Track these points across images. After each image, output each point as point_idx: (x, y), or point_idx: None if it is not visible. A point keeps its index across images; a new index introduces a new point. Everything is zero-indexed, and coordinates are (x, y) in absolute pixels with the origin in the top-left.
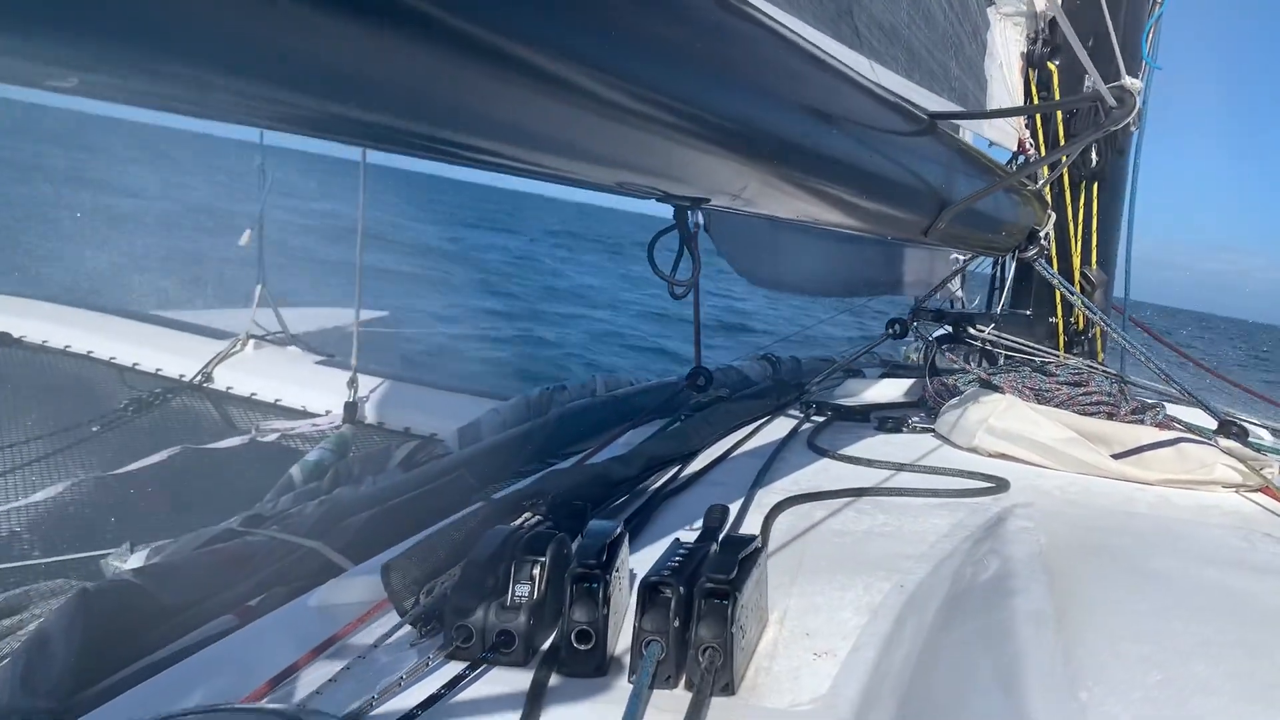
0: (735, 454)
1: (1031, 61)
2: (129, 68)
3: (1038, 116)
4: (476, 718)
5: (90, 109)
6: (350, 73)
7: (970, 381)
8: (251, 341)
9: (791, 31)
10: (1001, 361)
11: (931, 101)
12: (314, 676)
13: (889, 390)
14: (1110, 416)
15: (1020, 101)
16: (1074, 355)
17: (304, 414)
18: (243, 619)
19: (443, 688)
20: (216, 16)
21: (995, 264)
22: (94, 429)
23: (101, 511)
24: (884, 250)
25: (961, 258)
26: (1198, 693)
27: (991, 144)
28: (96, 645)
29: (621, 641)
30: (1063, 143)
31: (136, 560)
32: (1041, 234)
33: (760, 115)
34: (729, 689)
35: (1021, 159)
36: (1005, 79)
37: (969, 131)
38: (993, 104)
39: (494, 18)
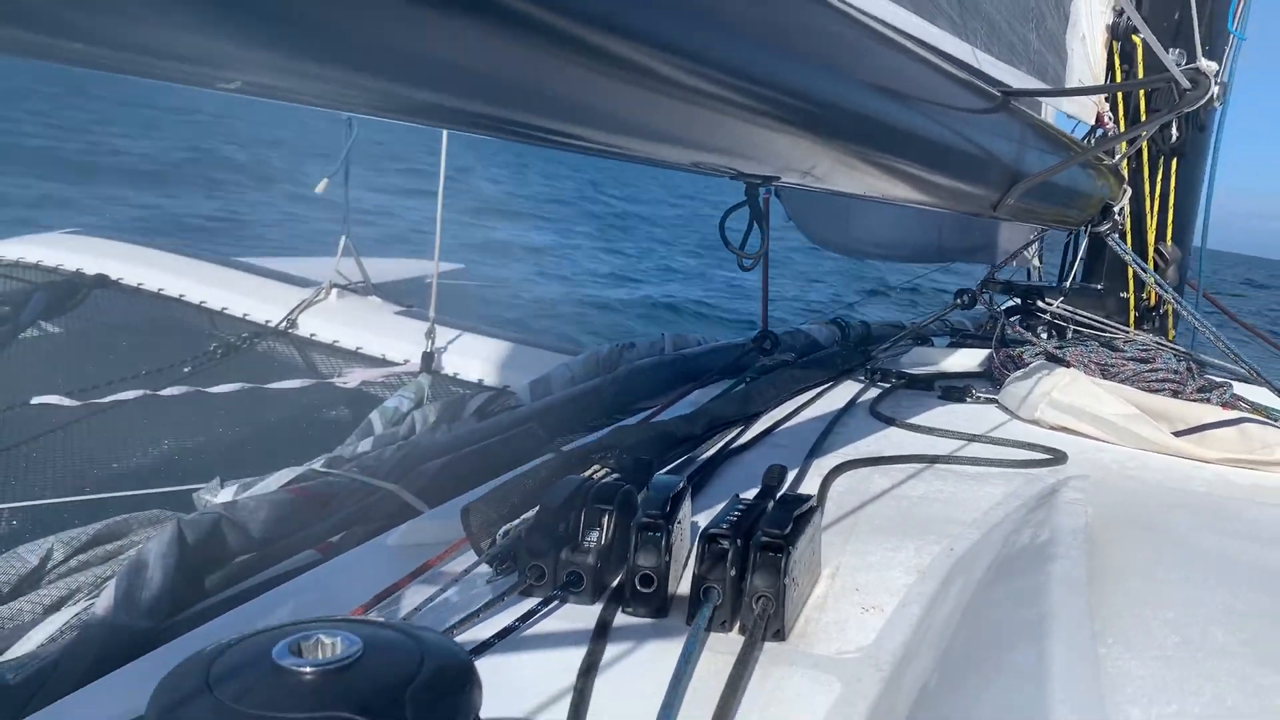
0: (798, 418)
1: (1116, 34)
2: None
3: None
4: (547, 648)
5: None
6: (429, 57)
7: (1036, 354)
8: (335, 290)
9: (865, 6)
10: (1070, 335)
11: (1008, 75)
12: (394, 608)
13: (955, 360)
14: (1176, 394)
15: (1102, 75)
16: (1143, 331)
17: (383, 362)
18: (324, 554)
19: (516, 620)
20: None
21: (1068, 237)
22: (185, 370)
23: (193, 448)
24: (959, 217)
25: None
26: (1213, 655)
27: (1070, 117)
28: (189, 572)
29: (681, 588)
30: (1144, 116)
31: (226, 495)
32: (1116, 209)
33: (832, 94)
34: (780, 635)
35: (1100, 133)
36: (1087, 53)
37: (1047, 105)
38: (1073, 77)
39: (572, 2)
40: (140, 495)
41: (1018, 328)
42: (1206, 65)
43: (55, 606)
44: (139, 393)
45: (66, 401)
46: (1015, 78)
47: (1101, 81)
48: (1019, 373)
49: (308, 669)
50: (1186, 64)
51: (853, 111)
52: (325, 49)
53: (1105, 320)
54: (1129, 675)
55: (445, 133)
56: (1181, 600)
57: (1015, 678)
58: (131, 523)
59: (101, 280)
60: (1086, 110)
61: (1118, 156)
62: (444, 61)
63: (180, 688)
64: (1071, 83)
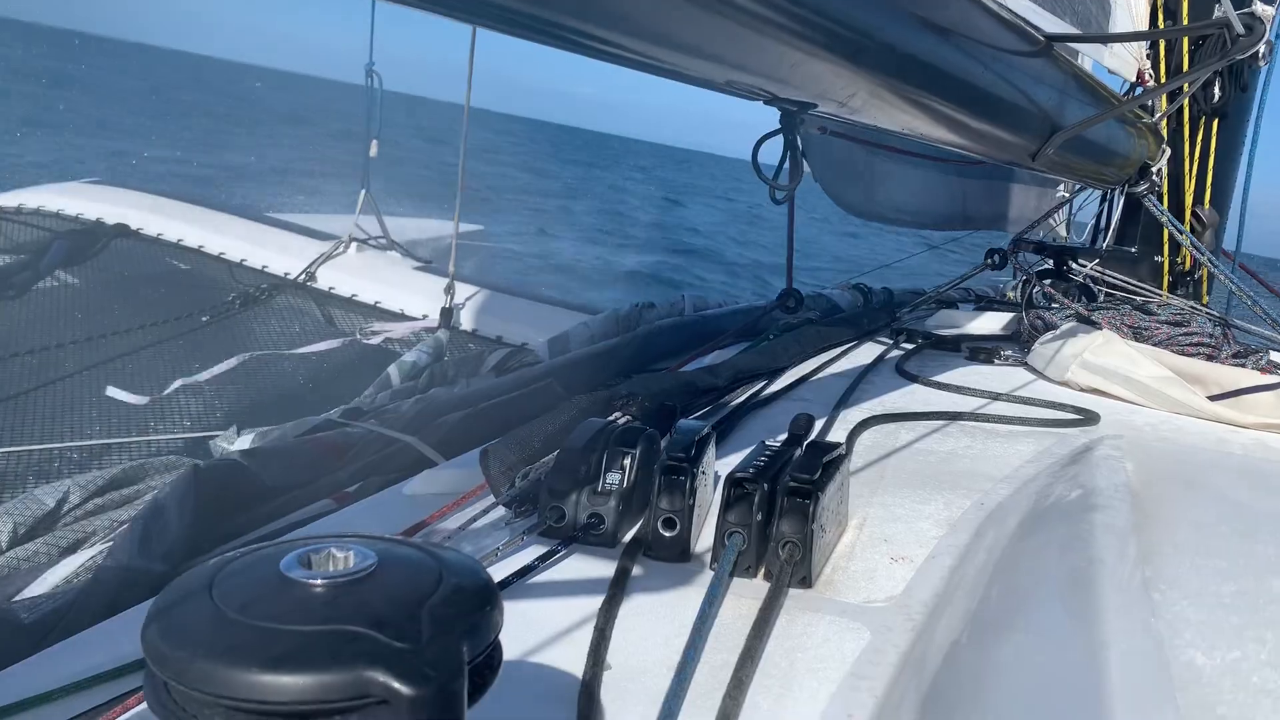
0: (822, 374)
1: None
2: None
3: (1161, 45)
4: (566, 590)
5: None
6: None
7: (1068, 316)
8: (354, 244)
9: None
10: (1102, 299)
11: (1050, 23)
12: None
13: (983, 323)
14: (1210, 359)
15: (1145, 29)
16: (1178, 296)
17: (402, 317)
18: (340, 503)
19: (535, 560)
20: None
21: (1103, 199)
22: (204, 319)
23: (211, 396)
24: (985, 183)
25: (1067, 194)
26: (1272, 603)
27: (1110, 72)
28: (206, 517)
29: (704, 536)
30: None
31: (243, 443)
32: (1154, 169)
33: (874, 21)
34: (806, 582)
35: (1140, 91)
36: (1130, 4)
37: (1088, 58)
38: (1115, 29)
39: None
40: (157, 440)
41: (1048, 289)
42: (1262, 9)
43: (71, 549)
44: (156, 341)
45: (132, 398)
46: (1057, 26)
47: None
48: (1049, 334)
49: (318, 581)
50: (1240, 10)
51: (894, 41)
52: None
53: (1139, 283)
54: (1186, 621)
55: (469, 86)
56: (1233, 552)
57: (1058, 625)
58: (148, 467)
59: (122, 229)
60: (1128, 65)
61: (1158, 115)
62: None
63: (180, 599)
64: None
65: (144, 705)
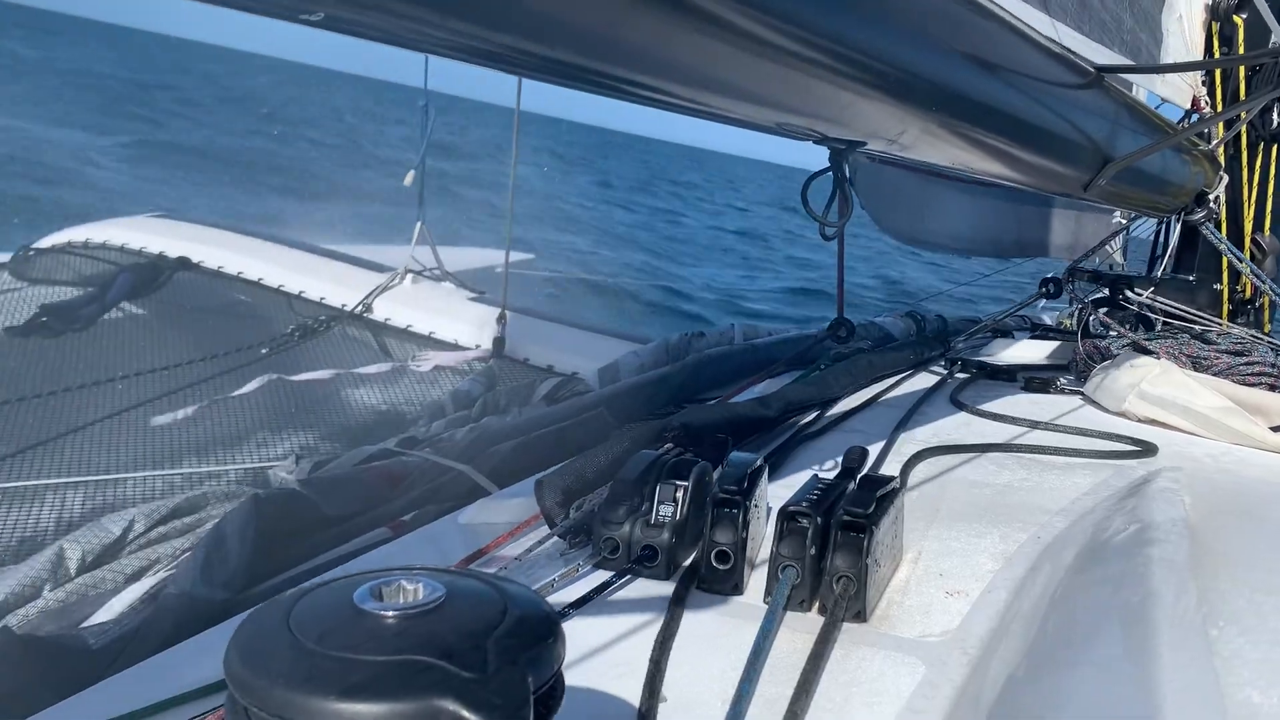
0: (875, 404)
1: (1216, 14)
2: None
3: (1216, 74)
4: (621, 621)
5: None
6: (526, 4)
7: (1124, 345)
8: (410, 276)
9: None
10: (1159, 327)
11: (1100, 54)
12: None
13: (1037, 351)
14: (1273, 389)
15: (1199, 57)
16: (1238, 324)
17: (455, 347)
18: (396, 532)
19: (590, 591)
20: None
21: (1159, 226)
22: (263, 351)
23: (268, 426)
24: (1037, 210)
25: (1123, 220)
26: None
27: (1163, 101)
28: (266, 546)
29: (757, 572)
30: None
31: (301, 472)
32: (1211, 196)
33: (922, 60)
34: (860, 616)
35: (1195, 118)
36: (1184, 33)
37: (1141, 88)
38: (1168, 59)
39: None
40: (218, 471)
41: (1104, 318)
42: None
43: (136, 576)
44: (217, 373)
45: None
46: (1107, 57)
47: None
48: (1106, 363)
49: (389, 613)
50: None
51: (944, 79)
52: None
53: (1197, 312)
54: (1244, 658)
55: (516, 117)
56: None
57: (1114, 661)
58: (210, 496)
59: (184, 263)
60: (1182, 94)
61: (1214, 141)
62: (537, 9)
63: (260, 629)
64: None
65: None
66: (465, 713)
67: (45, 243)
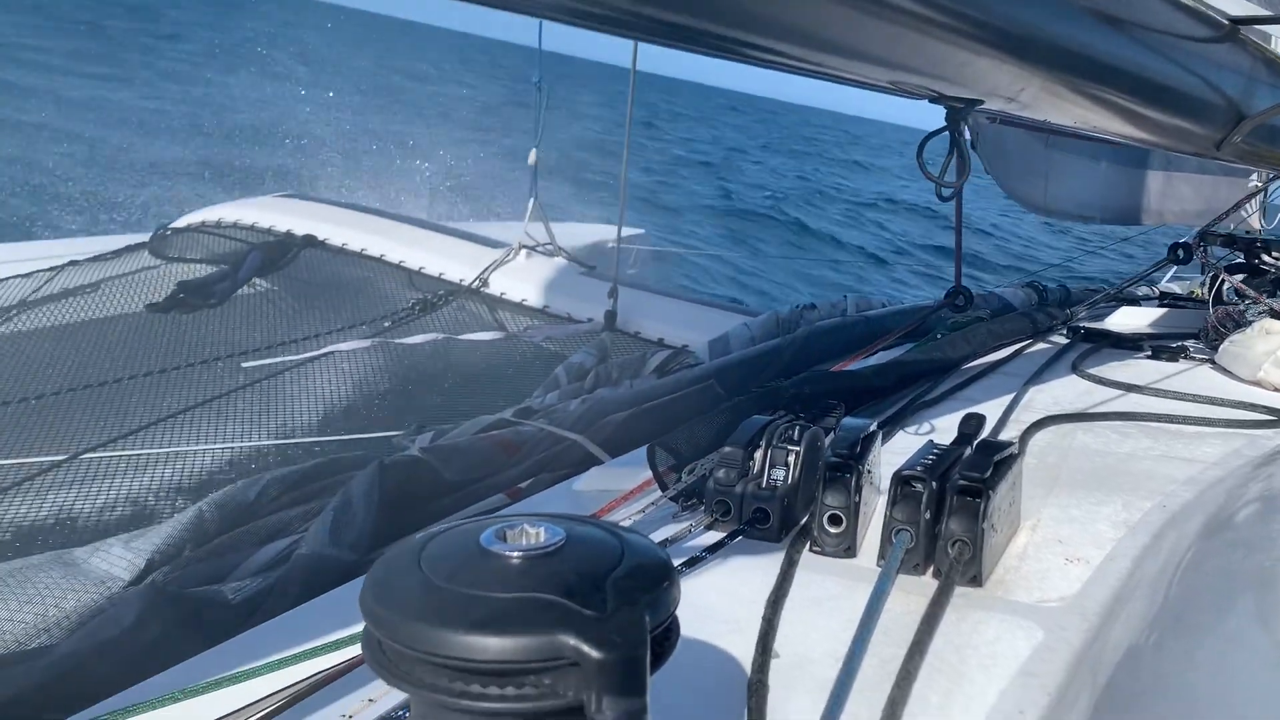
0: (993, 373)
1: None
2: None
3: None
4: (733, 581)
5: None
6: None
7: (1260, 313)
8: (524, 251)
9: None
10: None
11: (1235, 4)
12: None
13: (1166, 320)
14: None
15: None
16: None
17: (569, 320)
18: (513, 498)
19: (703, 551)
20: None
21: None
22: (385, 324)
23: (393, 398)
24: (1166, 175)
25: (1259, 182)
26: None
27: None
28: (390, 509)
29: (869, 533)
30: None
31: (423, 440)
32: None
33: (1044, 15)
34: (976, 581)
35: None
36: None
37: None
38: None
39: None
40: (346, 439)
41: (1239, 284)
42: None
43: (270, 537)
44: (342, 346)
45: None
46: (1243, 8)
47: None
48: (1239, 332)
49: (514, 553)
50: None
51: (1065, 34)
52: None
53: None
54: None
55: (631, 100)
56: None
57: (1246, 629)
58: (338, 463)
59: (310, 240)
60: None
61: None
62: None
63: (394, 568)
64: None
65: (344, 679)
66: (585, 648)
67: (180, 223)
